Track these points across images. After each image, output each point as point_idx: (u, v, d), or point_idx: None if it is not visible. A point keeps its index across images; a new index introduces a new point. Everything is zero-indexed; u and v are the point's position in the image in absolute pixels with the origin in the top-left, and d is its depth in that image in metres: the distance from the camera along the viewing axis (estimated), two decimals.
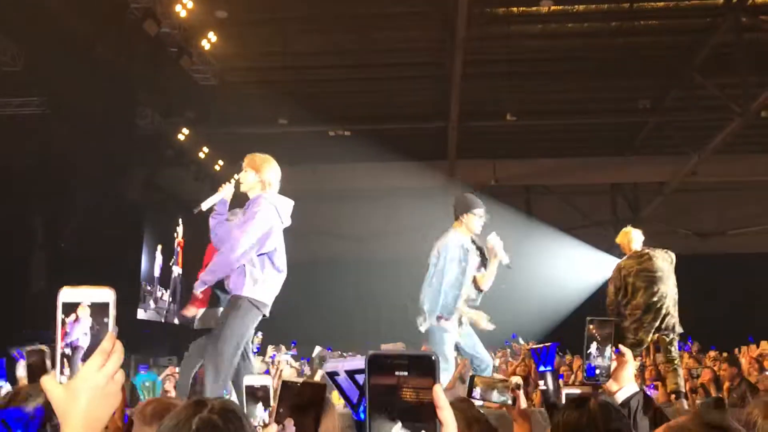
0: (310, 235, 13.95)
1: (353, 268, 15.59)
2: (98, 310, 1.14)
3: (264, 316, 4.61)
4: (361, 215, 14.35)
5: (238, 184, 5.07)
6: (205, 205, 4.92)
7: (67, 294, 1.13)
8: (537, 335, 13.43)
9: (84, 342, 1.15)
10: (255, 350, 9.69)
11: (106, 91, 10.80)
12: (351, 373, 1.14)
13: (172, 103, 12.89)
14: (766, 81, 10.90)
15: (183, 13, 9.95)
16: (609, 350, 2.24)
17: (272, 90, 12.64)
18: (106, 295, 1.14)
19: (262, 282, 4.55)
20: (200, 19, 10.48)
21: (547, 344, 2.74)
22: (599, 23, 11.24)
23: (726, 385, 7.77)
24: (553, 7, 10.64)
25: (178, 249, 14.68)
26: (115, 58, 10.97)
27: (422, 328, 5.50)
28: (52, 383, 1.13)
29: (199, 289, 4.64)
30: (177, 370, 8.86)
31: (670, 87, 13.06)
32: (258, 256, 4.57)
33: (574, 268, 16.63)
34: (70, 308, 1.13)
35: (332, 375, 1.16)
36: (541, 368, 2.73)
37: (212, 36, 10.87)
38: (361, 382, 1.11)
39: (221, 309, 5.24)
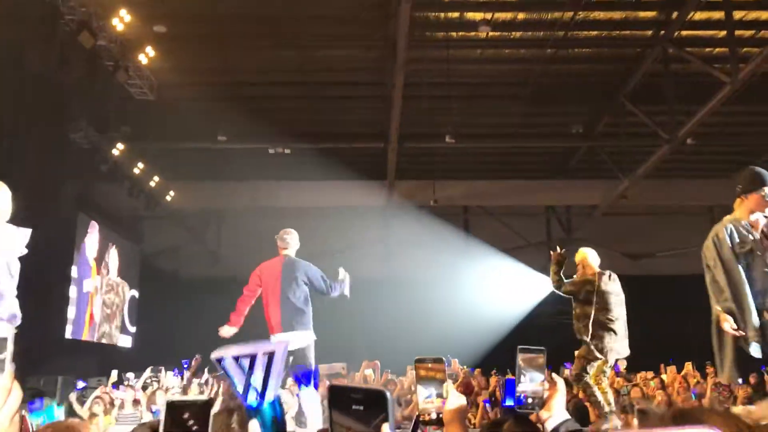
0: (248, 252, 13.79)
1: None
2: None
3: None
4: (300, 234, 14.26)
5: None
6: None
7: None
8: (472, 354, 13.55)
9: None
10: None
11: (38, 103, 10.47)
12: (237, 358, 1.16)
13: (108, 117, 12.60)
14: (692, 110, 11.39)
15: (120, 27, 9.78)
16: (541, 377, 2.26)
17: (211, 106, 12.52)
18: (2, 330, 1.08)
19: None
20: (138, 33, 10.31)
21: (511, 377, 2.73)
22: (535, 50, 11.55)
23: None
24: (491, 33, 10.90)
25: (105, 266, 14.31)
26: (48, 69, 10.67)
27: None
28: None
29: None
30: (107, 389, 8.59)
31: (602, 113, 13.51)
32: None
33: (511, 288, 16.90)
34: None
35: (219, 360, 1.17)
36: (507, 402, 2.73)
37: (150, 50, 10.70)
38: (246, 367, 1.14)
39: None
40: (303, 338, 6.07)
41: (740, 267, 4.45)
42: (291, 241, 6.52)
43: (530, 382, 2.24)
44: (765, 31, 10.68)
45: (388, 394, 0.95)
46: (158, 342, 13.46)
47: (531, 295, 17.32)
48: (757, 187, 4.46)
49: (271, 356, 1.15)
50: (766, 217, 4.51)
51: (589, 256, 6.73)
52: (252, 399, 1.15)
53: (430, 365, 2.24)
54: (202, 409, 1.32)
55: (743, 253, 4.48)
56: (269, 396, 1.15)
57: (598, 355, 6.35)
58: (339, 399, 0.96)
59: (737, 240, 4.50)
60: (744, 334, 4.33)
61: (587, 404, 6.61)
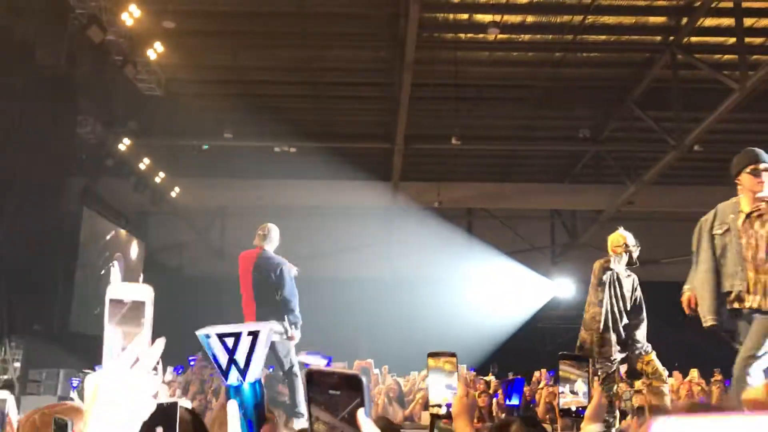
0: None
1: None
2: (136, 309, 1.10)
3: None
4: (302, 232, 14.26)
5: None
6: None
7: (113, 291, 1.10)
8: (475, 356, 13.55)
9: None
10: None
11: (46, 97, 10.50)
12: (221, 336, 1.17)
13: (115, 113, 12.64)
14: (699, 116, 11.36)
15: (129, 22, 9.78)
16: (586, 387, 2.27)
17: (218, 103, 12.53)
18: (143, 293, 1.11)
19: None
20: (147, 28, 10.31)
21: (511, 379, 2.75)
22: (543, 53, 11.54)
23: None
24: (499, 36, 10.88)
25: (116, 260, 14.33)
26: (56, 64, 10.70)
27: None
28: (90, 380, 1.07)
29: None
30: None
31: (610, 118, 13.48)
32: None
33: (514, 291, 16.89)
34: (116, 306, 1.10)
35: (204, 337, 1.19)
36: (509, 402, 2.75)
37: (159, 46, 10.71)
38: (230, 347, 1.14)
39: None
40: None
41: (712, 253, 4.50)
42: (269, 235, 6.52)
43: (570, 392, 2.25)
44: None
45: (363, 378, 0.95)
46: (156, 337, 13.45)
47: (534, 299, 17.32)
48: (743, 166, 4.49)
49: (255, 336, 1.16)
50: None
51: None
52: (233, 379, 1.16)
53: (443, 359, 2.25)
54: (167, 411, 1.32)
55: (720, 235, 4.51)
56: (251, 377, 1.16)
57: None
58: (316, 384, 0.97)
59: (716, 222, 4.55)
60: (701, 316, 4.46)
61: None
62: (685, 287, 4.79)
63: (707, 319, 4.45)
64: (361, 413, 0.93)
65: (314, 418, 0.97)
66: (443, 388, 2.25)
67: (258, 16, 10.65)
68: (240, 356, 1.17)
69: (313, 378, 0.97)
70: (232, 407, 1.14)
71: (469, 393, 2.16)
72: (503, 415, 7.85)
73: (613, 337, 6.31)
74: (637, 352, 6.24)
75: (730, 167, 4.62)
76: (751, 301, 4.35)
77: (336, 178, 14.06)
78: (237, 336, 1.17)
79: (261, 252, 6.39)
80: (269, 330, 1.21)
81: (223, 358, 1.17)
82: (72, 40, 10.65)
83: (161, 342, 1.13)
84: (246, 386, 1.17)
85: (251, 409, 1.17)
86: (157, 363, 1.16)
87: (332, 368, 1.17)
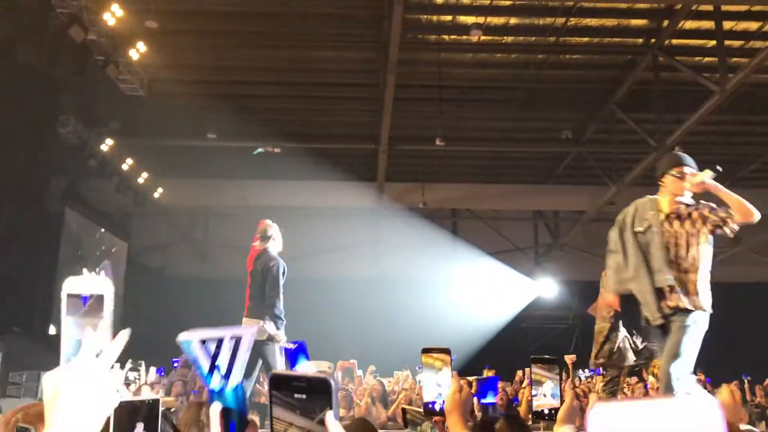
0: (236, 252, 13.76)
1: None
2: (95, 302, 1.10)
3: None
4: (287, 233, 14.22)
5: None
6: None
7: (71, 285, 1.09)
8: (459, 356, 13.58)
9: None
10: None
11: (28, 96, 10.41)
12: (203, 341, 1.18)
13: (97, 112, 12.54)
14: (680, 118, 11.47)
15: (111, 21, 9.72)
16: (557, 389, 2.28)
17: (202, 103, 12.48)
18: (102, 286, 1.10)
19: None
20: (129, 27, 10.25)
21: (485, 377, 2.76)
22: (527, 55, 11.60)
23: None
24: (482, 37, 10.93)
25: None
26: (38, 63, 10.61)
27: None
28: (49, 378, 1.05)
29: None
30: None
31: (592, 119, 13.58)
32: None
33: (497, 291, 16.96)
34: (74, 301, 1.09)
35: (186, 342, 1.20)
36: (484, 400, 2.77)
37: (141, 46, 10.65)
38: (212, 352, 1.15)
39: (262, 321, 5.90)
40: (261, 330, 6.10)
41: (638, 248, 4.51)
42: (266, 234, 6.56)
43: (547, 390, 2.26)
44: (754, 41, 10.77)
45: (332, 381, 0.94)
46: (142, 339, 13.39)
47: (517, 299, 17.40)
48: (668, 168, 4.54)
49: (237, 341, 1.17)
50: (692, 200, 4.55)
51: None
52: (215, 383, 1.17)
53: (435, 355, 2.27)
54: (150, 408, 1.32)
55: (642, 233, 4.54)
56: (233, 381, 1.17)
57: None
58: (281, 387, 0.96)
59: (636, 220, 4.58)
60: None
61: None
62: (613, 285, 4.64)
63: (656, 318, 4.38)
64: (330, 416, 0.92)
65: (275, 420, 0.96)
66: (436, 385, 2.27)
67: (242, 16, 10.62)
68: (222, 361, 1.18)
69: (277, 381, 0.96)
70: (215, 411, 1.14)
71: (463, 389, 2.17)
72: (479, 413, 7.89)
73: (629, 343, 6.35)
74: (647, 357, 6.27)
75: (657, 167, 4.70)
76: (675, 300, 4.36)
77: (321, 179, 14.06)
78: (219, 341, 1.18)
79: (261, 250, 6.46)
80: (251, 335, 1.21)
81: (204, 363, 1.17)
82: (53, 39, 10.56)
83: (124, 335, 1.12)
84: (228, 391, 1.17)
85: (234, 412, 1.17)
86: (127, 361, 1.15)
87: (298, 372, 1.17)
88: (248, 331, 1.20)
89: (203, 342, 1.17)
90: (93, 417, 1.04)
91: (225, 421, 1.14)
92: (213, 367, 1.16)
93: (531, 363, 2.37)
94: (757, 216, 4.33)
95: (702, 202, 4.54)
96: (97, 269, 14.14)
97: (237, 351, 1.17)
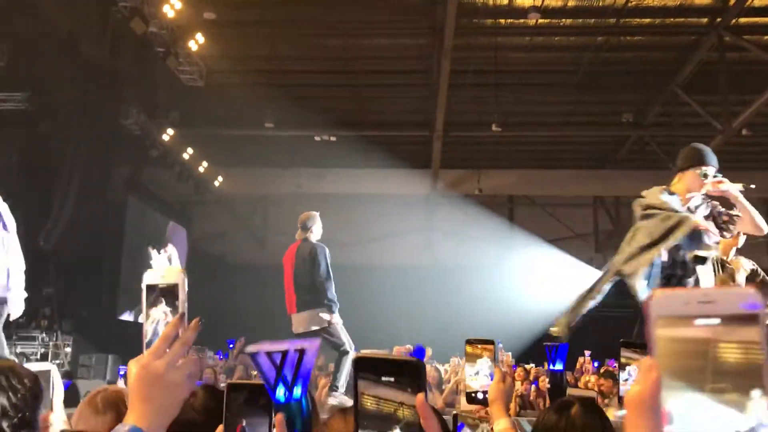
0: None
1: (334, 272, 15.54)
2: (170, 293, 1.15)
3: None
4: (343, 221, 14.33)
5: None
6: None
7: (149, 277, 1.14)
8: (515, 344, 13.47)
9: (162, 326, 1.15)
10: None
11: (91, 89, 10.72)
12: (270, 354, 1.20)
13: (158, 103, 12.83)
14: (747, 99, 11.05)
15: (171, 14, 9.92)
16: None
17: (259, 93, 12.64)
18: (175, 276, 1.14)
19: None
20: (188, 19, 10.45)
21: (556, 344, 2.76)
22: (585, 37, 11.34)
23: None
24: (540, 20, 10.73)
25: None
26: (100, 56, 10.90)
27: None
28: (131, 365, 1.11)
29: None
30: None
31: (654, 102, 13.20)
32: None
33: (555, 278, 16.71)
34: (152, 291, 1.14)
35: (252, 354, 1.22)
36: (552, 367, 2.77)
37: (200, 37, 10.84)
38: (278, 361, 1.17)
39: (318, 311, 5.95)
40: (317, 319, 6.14)
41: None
42: (306, 225, 6.59)
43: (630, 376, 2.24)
44: None
45: (422, 363, 0.93)
46: (203, 325, 13.71)
47: (576, 287, 17.12)
48: (694, 164, 4.37)
49: (302, 353, 1.18)
50: (703, 198, 4.42)
51: None
52: (280, 394, 1.19)
53: (479, 345, 2.26)
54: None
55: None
56: (297, 392, 1.19)
57: None
58: (367, 370, 0.94)
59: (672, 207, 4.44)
60: None
61: None
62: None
63: None
64: (421, 398, 0.89)
65: (363, 396, 0.94)
66: (481, 375, 2.26)
67: (296, 5, 10.69)
68: (287, 372, 1.19)
69: (363, 364, 0.95)
70: (279, 421, 1.16)
71: (507, 379, 2.15)
72: (538, 400, 7.80)
73: None
74: None
75: (679, 155, 4.56)
76: None
77: (376, 167, 14.08)
78: (284, 353, 1.19)
79: (300, 242, 6.48)
80: (317, 346, 1.23)
81: (270, 375, 1.20)
82: (115, 32, 10.84)
83: (197, 323, 1.16)
84: (293, 401, 1.19)
85: (298, 424, 1.19)
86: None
87: (385, 354, 1.16)
88: (312, 343, 1.22)
89: (269, 354, 1.19)
90: (172, 401, 1.10)
91: (289, 430, 1.16)
92: (278, 379, 1.18)
93: (621, 347, 2.34)
94: (765, 231, 4.24)
95: (712, 201, 4.42)
96: (159, 250, 14.50)
97: (302, 362, 1.18)
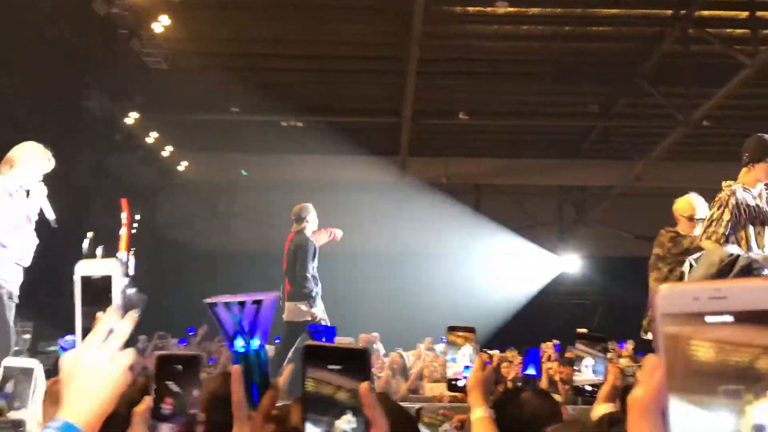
0: (259, 225, 13.83)
1: None
2: (104, 283, 1.12)
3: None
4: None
5: None
6: None
7: (82, 268, 1.11)
8: (481, 331, 13.60)
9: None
10: None
11: (52, 71, 10.48)
12: (228, 305, 1.21)
13: (122, 87, 12.59)
14: (709, 92, 11.24)
15: None
16: (600, 366, 2.29)
17: (225, 77, 12.47)
18: (110, 267, 1.11)
19: None
20: (152, 1, 10.25)
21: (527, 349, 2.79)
22: (552, 27, 11.41)
23: None
24: (508, 9, 10.76)
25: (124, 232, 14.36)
26: (62, 37, 10.65)
27: None
28: (65, 358, 1.10)
29: None
30: None
31: (619, 93, 13.36)
32: None
33: (520, 266, 16.90)
34: (87, 284, 1.12)
35: (211, 306, 1.23)
36: (525, 372, 2.79)
37: (165, 19, 10.64)
38: (235, 313, 1.20)
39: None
40: (299, 311, 6.17)
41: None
42: (299, 215, 6.62)
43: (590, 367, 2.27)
44: None
45: (368, 352, 0.94)
46: (164, 311, 13.59)
47: (540, 275, 17.33)
48: (764, 157, 4.39)
49: (259, 304, 1.19)
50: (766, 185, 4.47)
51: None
52: (239, 344, 1.18)
53: (460, 333, 2.28)
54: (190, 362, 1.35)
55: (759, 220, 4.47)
56: (255, 343, 1.18)
57: None
58: (315, 358, 0.95)
59: (753, 205, 4.48)
60: None
61: None
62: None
63: None
64: (365, 386, 0.91)
65: (309, 379, 0.94)
66: (460, 362, 2.28)
67: None
68: (245, 323, 1.19)
69: (311, 352, 0.96)
70: (237, 372, 1.16)
71: (486, 367, 2.18)
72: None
73: None
74: None
75: (747, 147, 4.53)
76: None
77: (343, 153, 14.03)
78: (242, 303, 1.19)
79: (294, 234, 6.56)
80: (274, 298, 1.25)
81: (229, 325, 1.20)
82: (77, 13, 10.58)
83: (133, 315, 1.14)
84: (250, 353, 1.20)
85: (256, 374, 1.19)
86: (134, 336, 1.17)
87: (333, 343, 1.18)
88: (269, 295, 1.22)
89: (227, 305, 1.19)
90: (106, 395, 1.08)
91: (246, 382, 1.16)
92: (236, 330, 1.19)
93: (576, 339, 2.37)
94: None
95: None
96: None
97: (259, 313, 1.19)
